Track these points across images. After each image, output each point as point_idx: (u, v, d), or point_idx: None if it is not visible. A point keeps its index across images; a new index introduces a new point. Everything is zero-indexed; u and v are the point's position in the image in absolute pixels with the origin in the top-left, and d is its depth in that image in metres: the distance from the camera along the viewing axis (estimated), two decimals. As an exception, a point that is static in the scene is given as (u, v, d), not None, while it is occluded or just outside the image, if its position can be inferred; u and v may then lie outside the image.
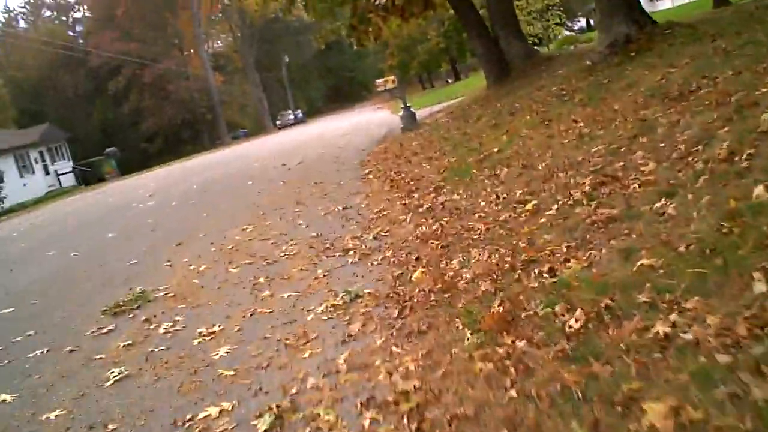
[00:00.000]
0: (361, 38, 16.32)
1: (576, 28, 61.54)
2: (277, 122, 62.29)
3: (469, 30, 16.61)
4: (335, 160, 13.34)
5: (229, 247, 6.69)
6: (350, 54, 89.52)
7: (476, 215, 5.18)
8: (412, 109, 15.84)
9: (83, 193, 27.79)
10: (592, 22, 46.39)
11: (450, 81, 59.64)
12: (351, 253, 5.27)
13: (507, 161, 6.78)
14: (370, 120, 28.13)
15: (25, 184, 33.58)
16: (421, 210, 6.10)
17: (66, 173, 37.89)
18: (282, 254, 5.84)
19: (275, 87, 76.89)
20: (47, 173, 36.87)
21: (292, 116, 62.99)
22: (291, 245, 6.10)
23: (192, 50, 56.94)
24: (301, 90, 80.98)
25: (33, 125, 42.21)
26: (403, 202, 6.79)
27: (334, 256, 5.35)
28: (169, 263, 6.67)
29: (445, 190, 6.70)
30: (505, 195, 5.41)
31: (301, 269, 5.20)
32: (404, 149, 11.78)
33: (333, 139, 19.43)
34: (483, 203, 5.49)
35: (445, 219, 5.43)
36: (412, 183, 7.80)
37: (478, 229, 4.73)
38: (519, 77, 14.68)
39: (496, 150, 7.69)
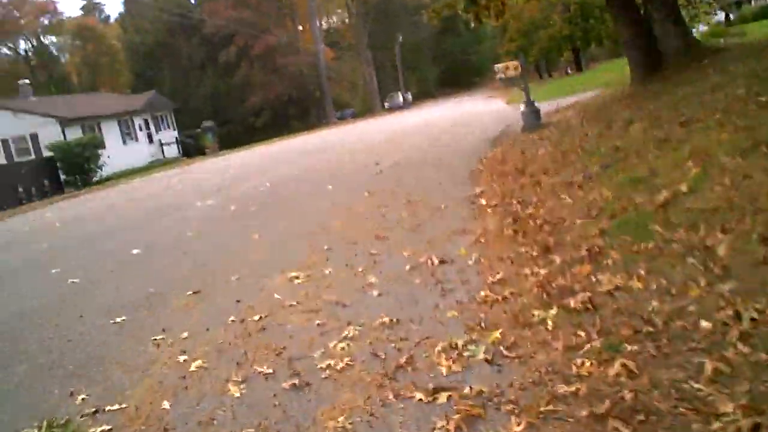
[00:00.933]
0: (480, 14, 13.59)
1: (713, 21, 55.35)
2: (386, 104, 60.32)
3: (613, 9, 13.54)
4: (438, 163, 10.83)
5: (256, 319, 4.30)
6: (466, 37, 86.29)
7: (698, 351, 2.53)
8: (536, 104, 12.99)
9: (175, 168, 26.74)
10: (731, 15, 40.95)
11: (570, 71, 55.11)
12: (444, 399, 2.77)
13: (716, 216, 4.03)
14: (482, 111, 25.31)
15: (128, 152, 33.30)
16: (572, 304, 3.47)
17: (169, 144, 37.46)
18: (325, 363, 3.39)
19: (387, 67, 74.89)
20: (151, 142, 36.57)
21: (401, 99, 60.80)
22: (344, 340, 3.67)
23: (305, 24, 55.66)
24: (412, 72, 78.53)
25: (146, 91, 42.32)
26: (537, 271, 4.16)
27: (410, 398, 2.86)
28: (157, 340, 4.35)
29: (609, 260, 4.01)
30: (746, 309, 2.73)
31: (344, 414, 2.77)
32: (528, 160, 9.05)
33: (440, 133, 16.89)
34: (704, 323, 2.82)
35: (628, 346, 2.82)
36: (547, 229, 5.14)
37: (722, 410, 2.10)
38: (676, 72, 11.63)
39: (683, 188, 4.88)
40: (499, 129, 14.63)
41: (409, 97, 64.24)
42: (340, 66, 59.61)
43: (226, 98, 52.48)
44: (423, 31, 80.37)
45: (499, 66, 12.97)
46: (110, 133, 32.17)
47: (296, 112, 55.12)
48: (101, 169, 28.23)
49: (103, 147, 30.18)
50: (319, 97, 54.74)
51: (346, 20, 70.19)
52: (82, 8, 69.51)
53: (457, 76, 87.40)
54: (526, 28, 48.66)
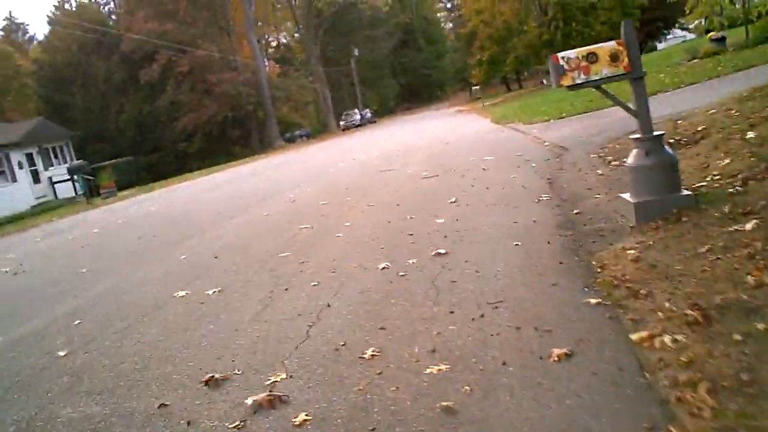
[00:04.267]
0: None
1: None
2: (341, 122, 53.49)
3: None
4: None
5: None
6: (427, 51, 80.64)
7: None
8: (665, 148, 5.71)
9: (60, 219, 18.84)
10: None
11: (545, 81, 48.74)
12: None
13: None
14: (463, 132, 18.18)
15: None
16: None
17: (63, 181, 29.30)
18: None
19: (343, 84, 68.27)
20: (37, 181, 28.58)
21: (358, 116, 54.03)
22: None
23: (241, 38, 48.14)
24: (370, 88, 72.14)
25: (59, 117, 34.31)
26: None
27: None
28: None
29: None
30: None
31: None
32: None
33: (411, 183, 9.74)
34: None
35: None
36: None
37: None
38: None
39: None
40: (535, 186, 7.55)
41: (368, 114, 57.43)
42: (287, 83, 52.21)
43: (152, 123, 44.70)
44: (381, 46, 74.50)
45: (566, 57, 4.83)
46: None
47: (237, 135, 47.52)
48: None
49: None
50: (262, 118, 47.24)
51: (296, 35, 63.21)
52: (2, 29, 60.56)
53: (419, 91, 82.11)
54: (499, 34, 42.24)
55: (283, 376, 3.04)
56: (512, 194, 6.96)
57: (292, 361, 3.25)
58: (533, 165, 8.85)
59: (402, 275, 4.54)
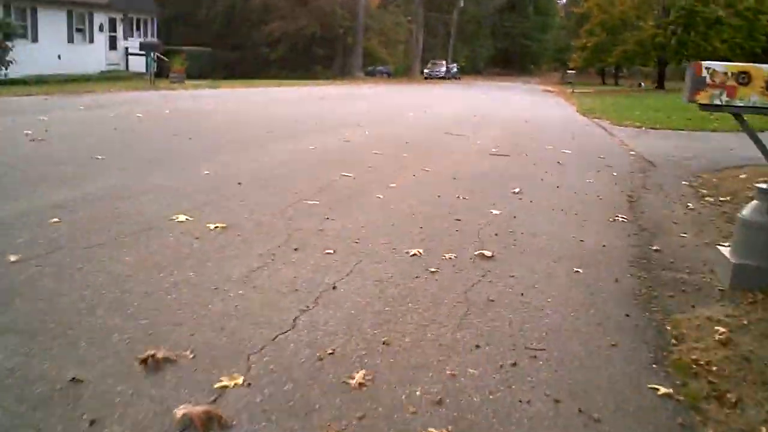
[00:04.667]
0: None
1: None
2: (425, 70, 51.97)
3: None
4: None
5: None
6: (533, 22, 77.45)
7: None
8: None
9: (111, 94, 18.58)
10: None
11: (642, 85, 46.01)
12: None
13: None
14: (546, 115, 16.96)
15: (74, 53, 25.28)
16: None
17: (137, 54, 29.00)
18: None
19: (438, 32, 66.10)
20: (112, 47, 28.42)
21: (444, 68, 52.44)
22: None
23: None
24: (465, 43, 69.88)
25: None
26: None
27: None
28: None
29: None
30: None
31: None
32: None
33: (477, 157, 8.86)
34: None
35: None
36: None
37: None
38: None
39: None
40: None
41: (454, 69, 55.69)
42: (384, 17, 50.63)
43: (241, 20, 44.02)
44: (488, 4, 71.68)
45: (713, 68, 3.72)
46: (50, 25, 24.13)
47: (321, 54, 46.55)
48: (6, 67, 20.25)
49: (27, 38, 22.34)
50: (350, 44, 46.10)
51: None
52: None
53: (512, 60, 79.44)
54: (613, 23, 39.67)
55: (240, 381, 2.31)
56: (585, 203, 6.03)
57: (260, 359, 2.51)
58: (615, 174, 7.84)
59: (432, 272, 3.75)
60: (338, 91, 25.03)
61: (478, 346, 2.78)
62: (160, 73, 29.71)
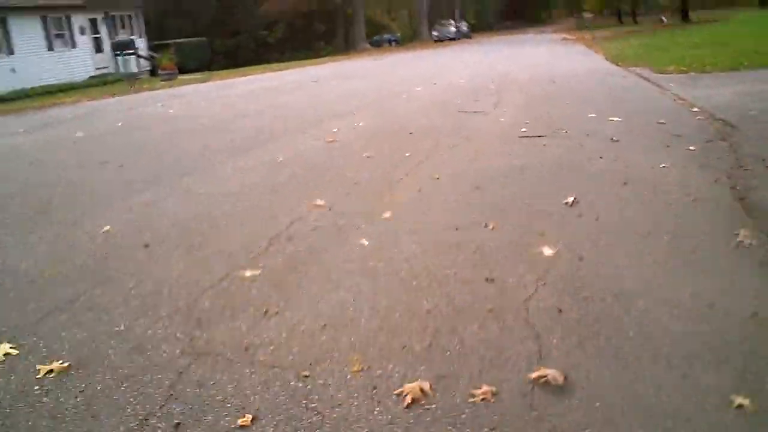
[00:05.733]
0: None
1: None
2: (434, 33, 49.27)
3: None
4: None
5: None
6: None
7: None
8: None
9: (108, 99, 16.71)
10: None
11: (665, 20, 42.59)
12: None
13: None
14: (574, 69, 14.55)
15: (55, 62, 23.53)
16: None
17: (128, 54, 27.09)
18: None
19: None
20: (99, 50, 26.57)
21: (453, 28, 49.65)
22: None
23: None
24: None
25: None
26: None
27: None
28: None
29: None
30: None
31: None
32: None
33: (502, 145, 6.83)
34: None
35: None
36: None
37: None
38: None
39: None
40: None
41: (465, 28, 52.83)
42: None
43: (234, 3, 41.86)
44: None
45: None
46: (24, 34, 22.31)
47: (322, 30, 44.25)
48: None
49: (1, 52, 20.64)
50: (350, 15, 43.67)
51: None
52: None
53: (522, 11, 76.21)
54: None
55: None
56: (675, 212, 3.96)
57: None
58: (691, 148, 5.71)
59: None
60: (336, 69, 22.81)
61: None
62: (154, 72, 27.94)
